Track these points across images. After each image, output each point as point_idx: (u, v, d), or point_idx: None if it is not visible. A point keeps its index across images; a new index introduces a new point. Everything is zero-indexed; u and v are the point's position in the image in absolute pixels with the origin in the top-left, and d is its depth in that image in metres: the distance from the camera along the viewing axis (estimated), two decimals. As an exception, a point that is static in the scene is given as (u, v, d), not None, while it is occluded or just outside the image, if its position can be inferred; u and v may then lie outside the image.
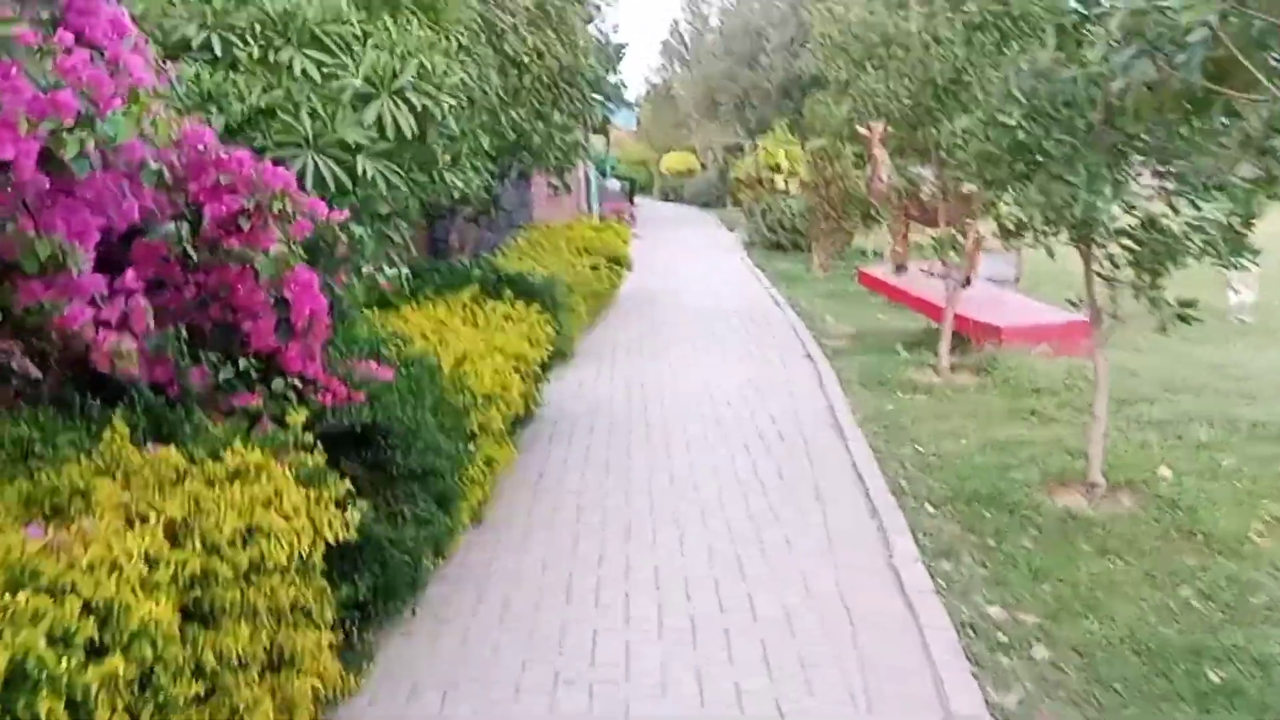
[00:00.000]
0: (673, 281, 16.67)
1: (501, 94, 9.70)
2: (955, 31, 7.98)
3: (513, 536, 5.42)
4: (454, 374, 4.84)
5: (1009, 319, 9.97)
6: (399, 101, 5.22)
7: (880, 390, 8.78)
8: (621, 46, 27.12)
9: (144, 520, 2.64)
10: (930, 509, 5.91)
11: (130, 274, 2.85)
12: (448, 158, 5.74)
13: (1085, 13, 5.00)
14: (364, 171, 5.09)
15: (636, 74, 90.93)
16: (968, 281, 10.75)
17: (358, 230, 3.95)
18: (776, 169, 23.11)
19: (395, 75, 5.24)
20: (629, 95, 36.94)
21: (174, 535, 2.68)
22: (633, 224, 28.34)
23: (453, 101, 5.46)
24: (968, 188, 9.28)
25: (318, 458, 3.37)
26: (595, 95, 13.98)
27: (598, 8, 25.23)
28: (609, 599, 4.65)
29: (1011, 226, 5.78)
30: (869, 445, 7.08)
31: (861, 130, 11.45)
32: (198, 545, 2.65)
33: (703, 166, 43.80)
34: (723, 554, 5.13)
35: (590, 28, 25.25)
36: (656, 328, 12.15)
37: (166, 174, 3.41)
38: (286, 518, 3.01)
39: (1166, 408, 7.83)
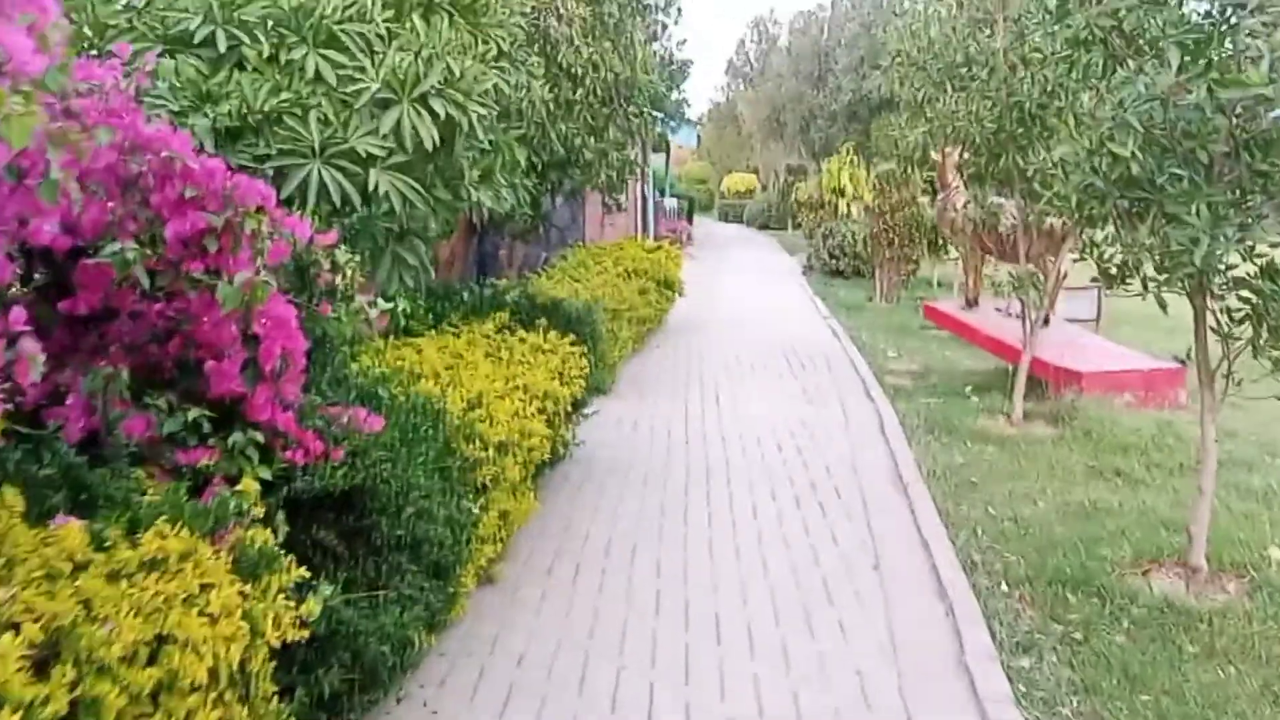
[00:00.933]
0: (726, 308, 16.00)
1: (551, 106, 9.14)
2: (1052, 49, 7.25)
3: (527, 604, 4.77)
4: (464, 420, 4.22)
5: (1090, 364, 9.14)
6: (420, 109, 4.64)
7: (948, 439, 8.02)
8: (686, 63, 26.60)
9: (13, 630, 2.04)
10: (1005, 589, 5.16)
11: (15, 313, 2.26)
12: (476, 173, 5.15)
13: (1215, 29, 4.29)
14: (375, 186, 4.52)
15: (700, 92, 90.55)
16: (1046, 321, 9.94)
17: (344, 256, 3.34)
18: (840, 192, 22.35)
19: (419, 80, 4.67)
20: (691, 113, 36.45)
21: (53, 650, 2.08)
22: (688, 244, 27.77)
23: (483, 111, 4.87)
24: (1052, 222, 8.54)
25: (268, 534, 2.76)
26: (654, 112, 13.37)
27: (663, 26, 24.83)
28: (630, 695, 3.98)
29: (1115, 271, 5.04)
30: (935, 506, 6.34)
31: (934, 155, 10.70)
32: (76, 667, 2.04)
33: (764, 188, 43.11)
34: (766, 641, 4.43)
35: (655, 45, 24.81)
36: (705, 358, 11.47)
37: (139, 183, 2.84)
38: (213, 619, 2.40)
39: (1271, 475, 6.99)
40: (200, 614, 2.39)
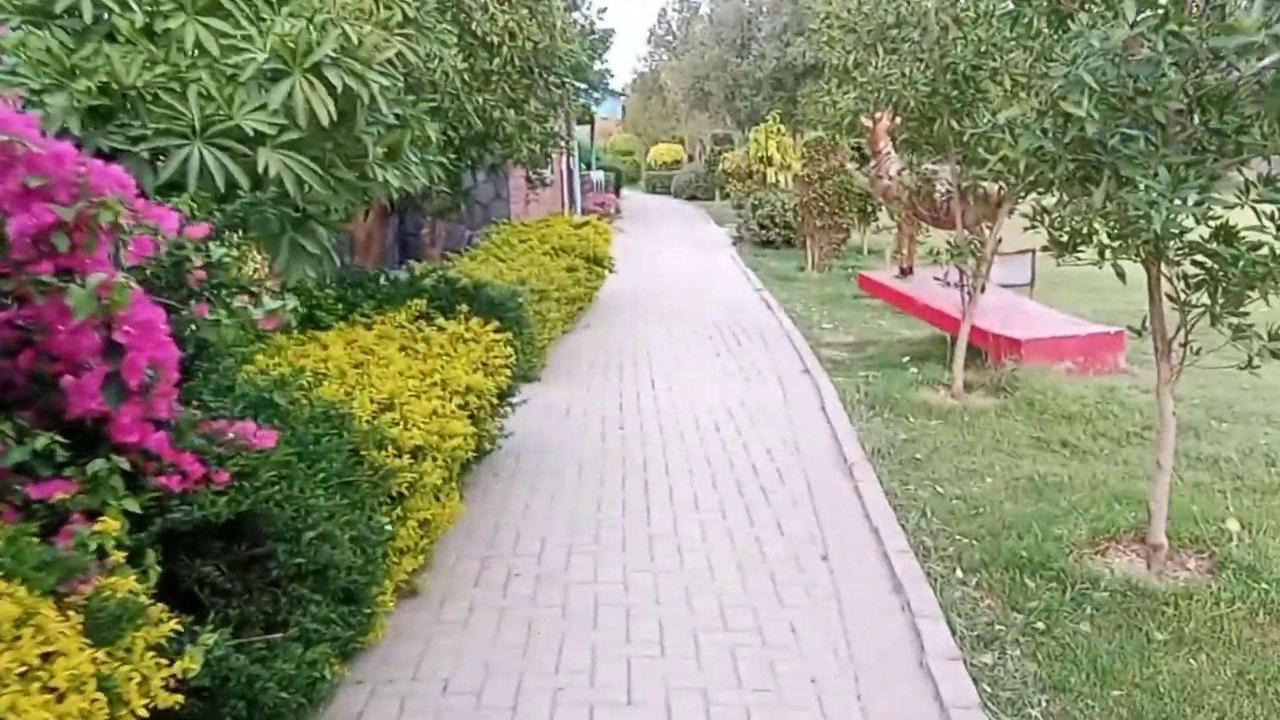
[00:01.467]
0: (658, 282, 15.65)
1: (466, 77, 8.66)
2: (988, 6, 7.00)
3: (453, 619, 4.39)
4: (374, 425, 3.81)
5: (1029, 331, 8.98)
6: (314, 81, 4.19)
7: (889, 414, 7.78)
8: (607, 33, 26.07)
9: None
10: (961, 576, 4.92)
11: None
12: (380, 150, 4.70)
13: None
14: (265, 167, 4.06)
15: (624, 63, 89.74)
16: (982, 289, 9.77)
17: (218, 250, 2.91)
18: (768, 161, 22.08)
19: (311, 48, 4.21)
20: (615, 84, 35.90)
21: None
22: (617, 218, 27.32)
23: (385, 82, 4.42)
24: (988, 187, 8.32)
25: (132, 580, 2.34)
26: (576, 83, 12.91)
27: (582, -9, 24.20)
28: None
29: (1065, 239, 4.78)
30: (882, 487, 6.08)
31: (865, 122, 10.44)
32: None
33: (690, 158, 42.77)
34: (713, 653, 4.11)
35: (575, 14, 24.22)
36: (638, 337, 11.12)
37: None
38: (59, 695, 1.99)
39: (1221, 441, 6.87)
40: (43, 690, 1.98)
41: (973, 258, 7.91)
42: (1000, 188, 7.93)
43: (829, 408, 7.87)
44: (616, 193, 33.69)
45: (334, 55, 4.24)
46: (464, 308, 6.05)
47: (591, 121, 33.34)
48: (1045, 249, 4.97)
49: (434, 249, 14.80)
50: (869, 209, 17.59)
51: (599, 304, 13.12)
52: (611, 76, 26.73)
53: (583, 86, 22.18)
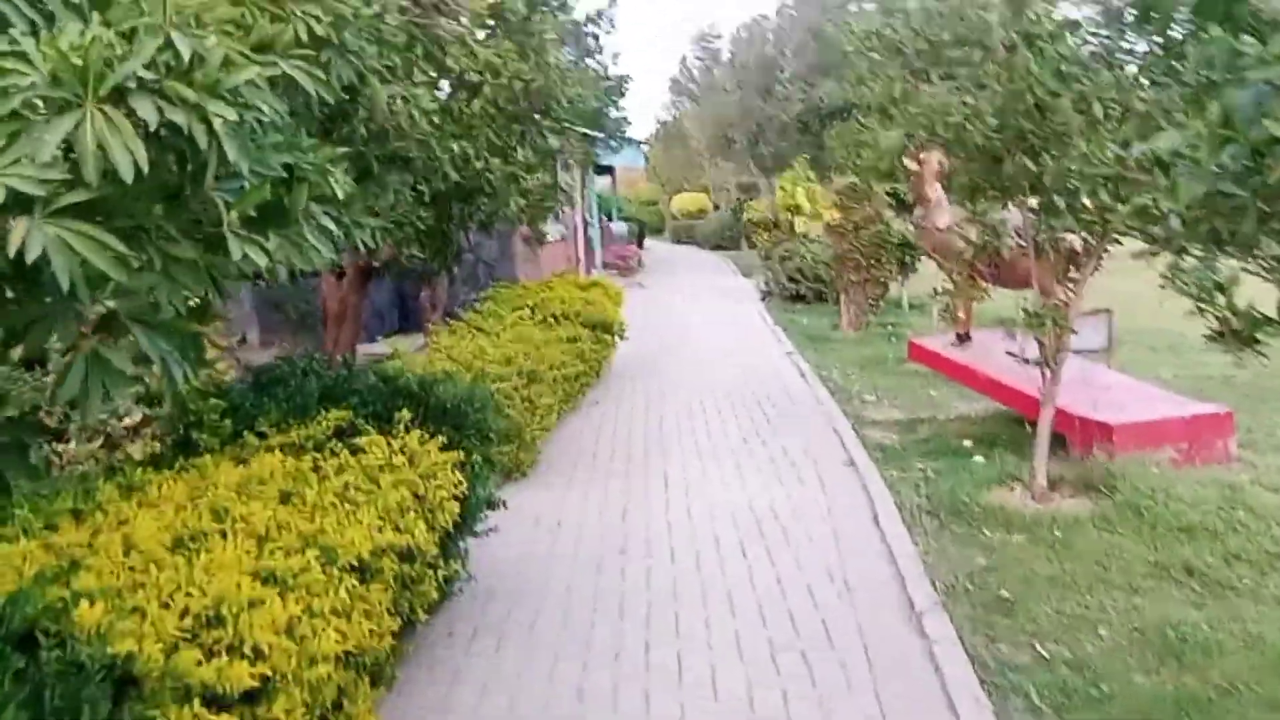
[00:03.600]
0: (679, 343, 14.14)
1: (437, 120, 7.29)
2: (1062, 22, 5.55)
3: None
4: (166, 666, 2.31)
5: (1121, 413, 7.39)
6: (110, 117, 2.77)
7: (959, 526, 6.22)
8: (623, 78, 24.87)
9: None
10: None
11: None
12: (235, 215, 3.26)
13: None
14: (24, 245, 2.62)
15: (647, 112, 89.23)
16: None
17: None
18: (796, 210, 20.62)
19: (111, 67, 2.80)
20: (637, 133, 34.79)
21: None
22: (638, 272, 25.97)
23: (231, 116, 3.00)
24: (1072, 239, 6.78)
25: None
26: (583, 129, 11.51)
27: (595, 38, 23.07)
28: None
29: (1244, 327, 3.25)
30: (965, 650, 4.51)
31: (909, 164, 8.98)
32: None
33: (716, 207, 41.47)
34: None
35: (589, 60, 23.02)
36: (653, 415, 9.60)
37: None
38: None
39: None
40: None
41: (1057, 326, 6.38)
42: (1085, 241, 6.40)
43: (883, 518, 6.31)
44: (639, 244, 32.37)
45: (148, 77, 2.82)
46: (405, 413, 4.57)
47: (612, 171, 32.16)
48: (1210, 338, 3.41)
49: (435, 313, 13.44)
50: (908, 260, 16.09)
51: (611, 372, 11.65)
52: (629, 124, 25.50)
53: (596, 134, 20.93)
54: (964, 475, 7.20)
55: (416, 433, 4.47)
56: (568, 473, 7.63)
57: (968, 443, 8.22)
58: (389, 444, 4.32)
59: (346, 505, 3.54)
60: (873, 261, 14.38)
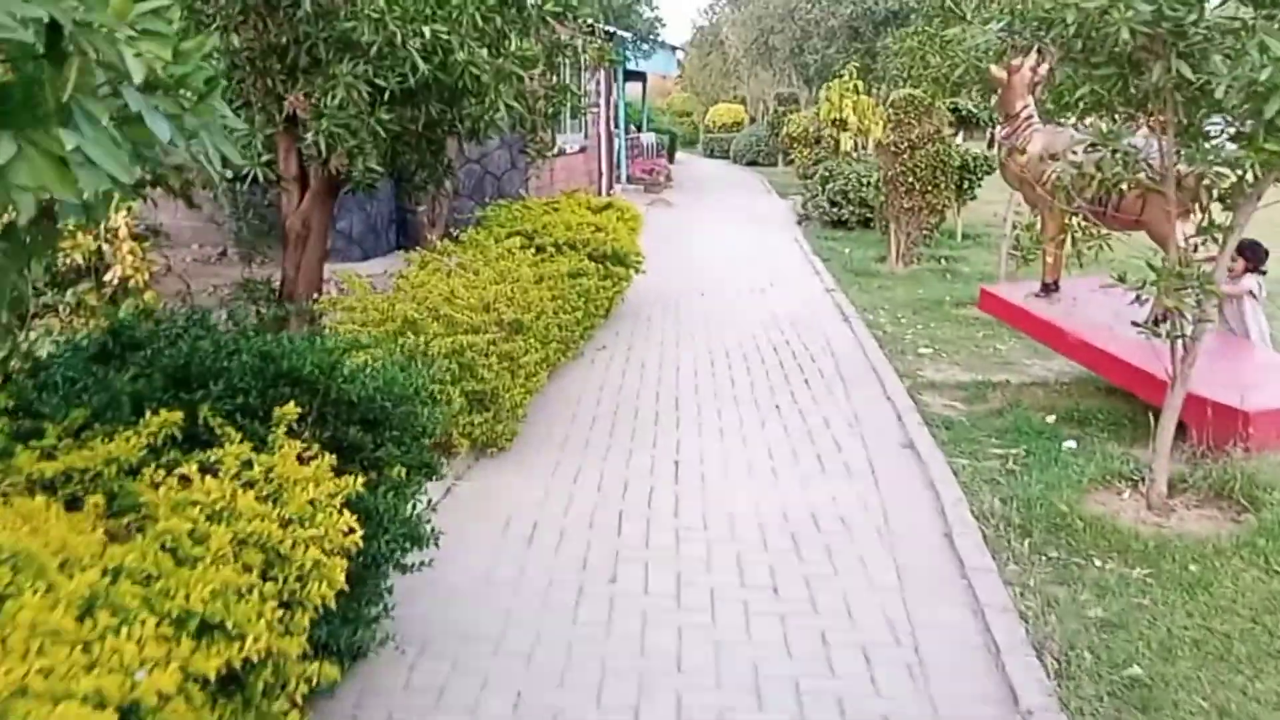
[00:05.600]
0: (703, 275, 12.53)
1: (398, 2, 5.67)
2: None
3: None
4: None
5: (1257, 395, 5.82)
6: None
7: (1059, 548, 4.73)
8: (657, -27, 22.81)
9: None
10: None
11: None
12: None
13: None
14: None
15: (683, 18, 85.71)
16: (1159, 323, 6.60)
17: None
18: (842, 124, 18.71)
19: None
20: (671, 37, 32.60)
21: None
22: (666, 187, 24.21)
23: None
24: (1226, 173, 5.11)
25: None
26: (603, 25, 9.73)
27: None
28: None
29: None
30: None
31: (997, 72, 7.24)
32: None
33: (752, 119, 39.26)
34: None
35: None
36: (667, 369, 8.07)
37: None
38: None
39: None
40: None
41: (1200, 291, 4.77)
42: (1253, 173, 4.73)
43: (959, 537, 4.81)
44: (669, 158, 30.46)
45: None
46: (287, 411, 3.09)
47: (643, 78, 30.12)
48: None
49: (433, 230, 11.90)
50: (968, 185, 14.32)
51: (625, 308, 10.13)
52: (663, 25, 23.46)
53: (624, 34, 19.03)
54: (1055, 469, 5.68)
55: (295, 445, 2.98)
56: (555, 448, 6.16)
57: (1051, 419, 6.69)
58: (248, 464, 2.85)
59: (121, 606, 2.08)
60: (929, 186, 12.63)
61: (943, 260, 13.46)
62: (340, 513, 2.84)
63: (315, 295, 7.31)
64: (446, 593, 4.17)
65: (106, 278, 6.93)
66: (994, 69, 7.11)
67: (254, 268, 10.38)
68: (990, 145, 17.94)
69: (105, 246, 7.17)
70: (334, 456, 3.15)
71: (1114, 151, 4.82)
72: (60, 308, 6.80)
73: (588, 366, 8.10)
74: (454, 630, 3.93)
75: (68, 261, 6.84)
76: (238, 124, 2.95)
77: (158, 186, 8.63)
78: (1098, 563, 4.61)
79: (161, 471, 2.73)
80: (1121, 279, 5.01)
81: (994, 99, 7.46)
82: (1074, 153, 5.36)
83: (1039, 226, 7.15)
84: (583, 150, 18.20)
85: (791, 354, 8.59)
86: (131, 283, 7.05)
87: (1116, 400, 6.84)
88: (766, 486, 5.55)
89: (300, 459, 3.00)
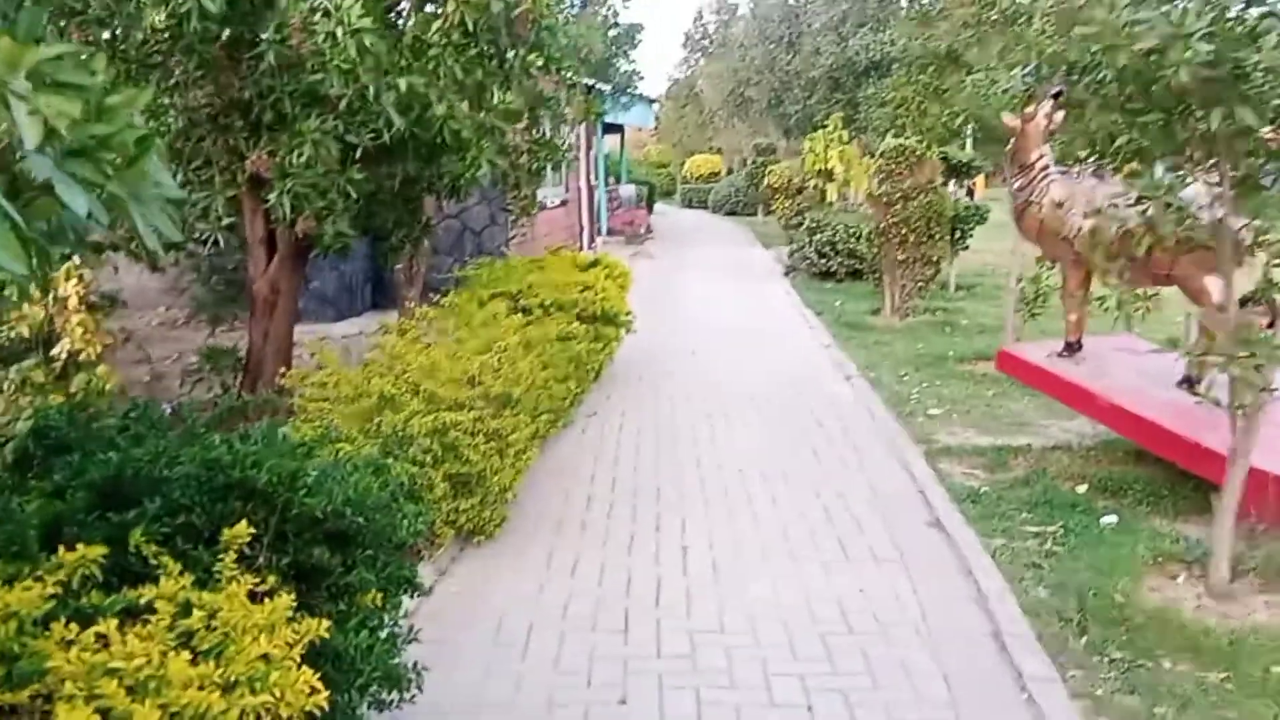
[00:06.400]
0: (693, 333, 12.04)
1: (370, 46, 5.18)
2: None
3: None
4: None
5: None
6: None
7: (1120, 646, 4.21)
8: (634, 27, 22.63)
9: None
10: None
11: None
12: None
13: None
14: None
15: (658, 71, 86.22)
16: (1190, 384, 6.15)
17: None
18: (828, 175, 18.39)
19: None
20: (649, 91, 32.47)
21: None
22: (647, 238, 23.84)
23: None
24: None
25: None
26: (581, 76, 9.32)
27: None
28: None
29: None
30: None
31: (1009, 120, 6.82)
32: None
33: (729, 170, 39.13)
34: None
35: (597, 5, 20.73)
36: (662, 441, 7.50)
37: None
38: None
39: None
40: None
41: (1270, 360, 4.31)
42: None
43: (1008, 635, 4.27)
44: (649, 209, 30.13)
45: None
46: (238, 531, 2.53)
47: (621, 130, 29.90)
48: None
49: (411, 289, 11.38)
50: (960, 235, 13.96)
51: (613, 369, 9.61)
52: (641, 79, 23.24)
53: (603, 86, 18.70)
54: (1099, 550, 5.18)
55: (244, 580, 2.43)
56: (549, 533, 5.59)
57: (1083, 488, 6.22)
58: (186, 608, 2.29)
59: None
60: (924, 238, 12.24)
61: (939, 312, 13.05)
62: (300, 666, 2.28)
63: (284, 368, 6.75)
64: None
65: (54, 351, 6.35)
66: (1007, 117, 6.70)
67: (218, 334, 9.81)
68: (970, 195, 17.66)
69: (57, 317, 6.62)
70: (295, 587, 2.60)
71: (1167, 205, 4.37)
72: (4, 385, 6.21)
73: (579, 435, 7.56)
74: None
75: (12, 335, 6.27)
76: (175, 191, 2.41)
77: (117, 250, 8.06)
78: (1167, 664, 4.09)
79: (75, 627, 2.16)
80: (1173, 343, 4.55)
81: (1007, 148, 7.03)
82: (1113, 205, 4.91)
83: (1061, 282, 6.70)
84: (564, 204, 17.78)
85: (795, 418, 8.08)
86: (83, 356, 6.48)
87: (1149, 466, 6.36)
88: (786, 575, 5.00)
89: (253, 595, 2.45)
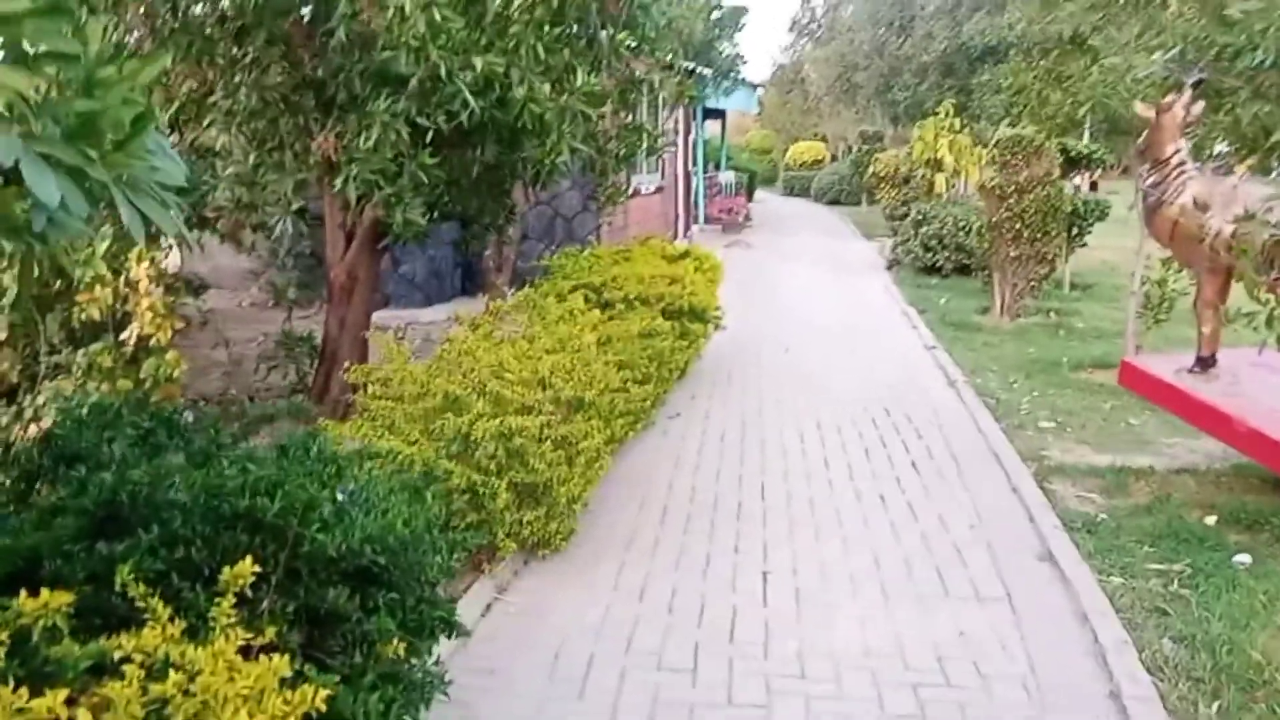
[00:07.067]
0: (788, 330, 11.53)
1: (443, 21, 4.84)
2: None
3: None
4: None
5: None
6: None
7: (1258, 712, 3.64)
8: (738, 10, 22.00)
9: None
10: None
11: None
12: None
13: None
14: None
15: (763, 55, 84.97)
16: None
17: None
18: (937, 165, 17.59)
19: None
20: (753, 75, 31.79)
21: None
22: (744, 227, 23.31)
23: None
24: None
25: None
26: (666, 50, 8.79)
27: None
28: None
29: None
30: None
31: (1143, 110, 6.17)
32: None
33: (833, 157, 38.18)
34: None
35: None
36: (749, 449, 7.03)
37: None
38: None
39: None
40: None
41: None
42: None
43: (1128, 697, 3.74)
44: (749, 196, 29.51)
45: None
46: (242, 570, 2.20)
47: (722, 116, 29.30)
48: None
49: (500, 276, 11.16)
50: (1078, 231, 13.13)
51: (701, 366, 9.19)
52: (744, 63, 22.61)
53: (704, 69, 18.19)
54: (1232, 595, 4.59)
55: (236, 634, 2.09)
56: (619, 548, 5.21)
57: (1211, 519, 5.59)
58: (163, 668, 1.97)
59: None
60: (1039, 233, 11.49)
61: (1052, 314, 12.28)
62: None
63: (357, 359, 6.51)
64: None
65: (123, 335, 6.20)
66: (1141, 107, 6.04)
67: (300, 319, 9.68)
68: (1094, 188, 16.73)
69: (129, 300, 6.49)
70: (305, 633, 2.27)
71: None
72: (73, 369, 6.10)
73: (660, 438, 7.17)
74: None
75: (82, 317, 6.14)
76: (176, 177, 2.08)
77: (204, 229, 7.90)
78: (1326, 750, 3.52)
79: (24, 693, 1.85)
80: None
81: (1139, 141, 6.37)
82: (1269, 209, 4.30)
83: (1197, 290, 6.05)
84: (659, 190, 17.36)
85: (893, 426, 7.55)
86: (153, 341, 6.34)
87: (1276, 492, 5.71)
88: (875, 611, 4.53)
89: (246, 651, 2.11)
